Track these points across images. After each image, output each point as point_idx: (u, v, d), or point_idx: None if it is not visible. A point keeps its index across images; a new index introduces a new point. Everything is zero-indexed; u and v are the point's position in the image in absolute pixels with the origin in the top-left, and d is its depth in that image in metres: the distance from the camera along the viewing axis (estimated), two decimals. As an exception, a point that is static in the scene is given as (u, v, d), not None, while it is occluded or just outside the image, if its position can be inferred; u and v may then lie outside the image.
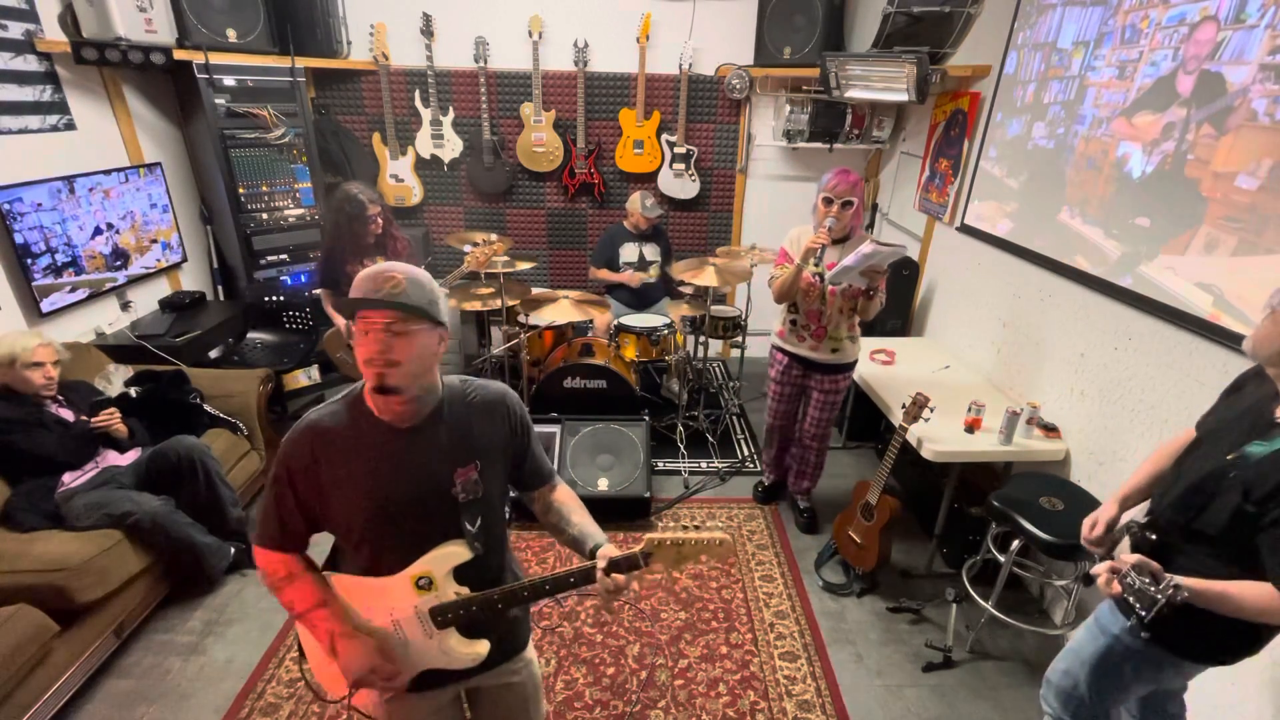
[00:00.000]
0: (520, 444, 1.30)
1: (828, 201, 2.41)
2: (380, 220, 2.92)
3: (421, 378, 1.13)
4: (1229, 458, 1.30)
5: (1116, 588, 1.21)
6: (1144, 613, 1.15)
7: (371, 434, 1.15)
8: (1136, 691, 1.56)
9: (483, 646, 1.27)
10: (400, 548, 1.19)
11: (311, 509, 1.18)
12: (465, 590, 1.22)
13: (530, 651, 1.47)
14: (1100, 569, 1.26)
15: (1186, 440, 1.52)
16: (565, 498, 1.36)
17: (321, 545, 1.28)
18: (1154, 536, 1.42)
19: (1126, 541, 1.48)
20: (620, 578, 1.15)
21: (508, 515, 1.38)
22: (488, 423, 1.24)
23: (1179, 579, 1.17)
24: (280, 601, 1.22)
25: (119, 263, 3.20)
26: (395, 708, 1.34)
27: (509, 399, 1.28)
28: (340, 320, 2.95)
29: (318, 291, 3.02)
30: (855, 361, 2.75)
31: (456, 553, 1.20)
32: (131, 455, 2.53)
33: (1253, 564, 1.25)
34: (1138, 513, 1.56)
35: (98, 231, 3.07)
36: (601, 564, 1.16)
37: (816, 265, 2.51)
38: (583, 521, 1.30)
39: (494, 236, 3.29)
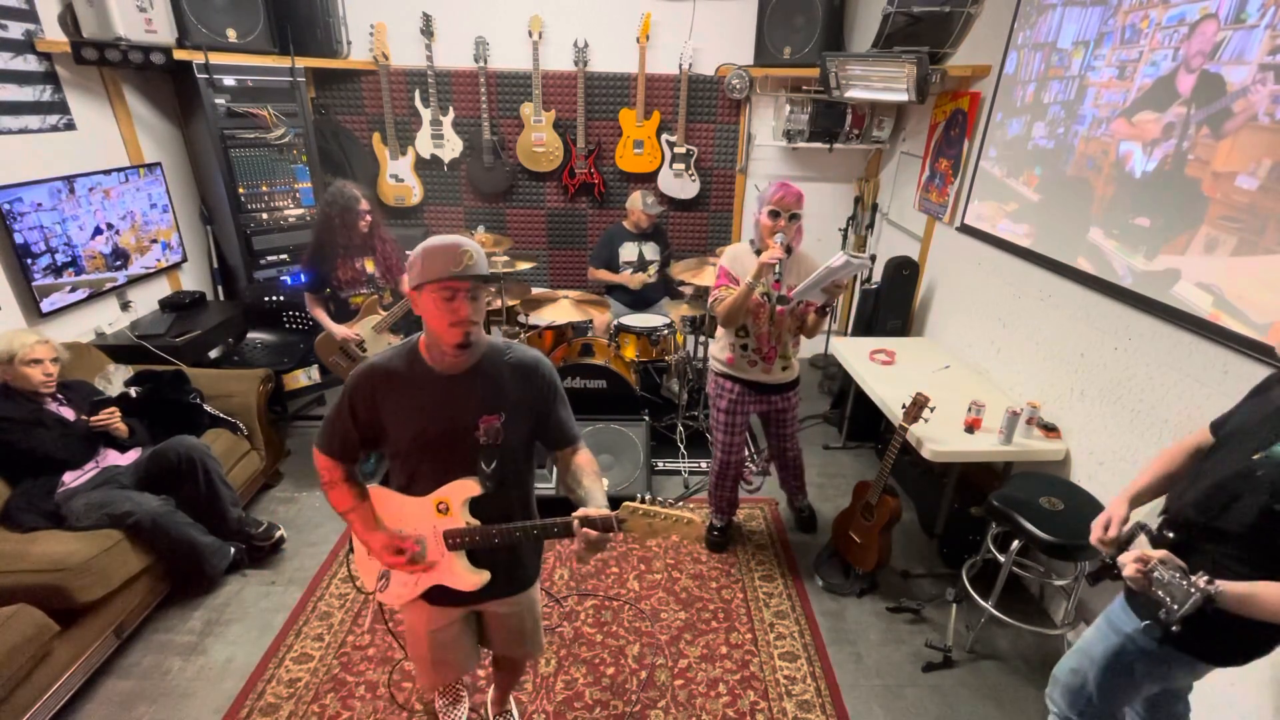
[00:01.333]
0: (546, 405, 1.47)
1: (774, 215, 2.28)
2: (370, 217, 2.92)
3: (481, 331, 1.37)
4: (1255, 457, 1.30)
5: (1143, 579, 1.20)
6: (1176, 607, 1.14)
7: (422, 378, 1.38)
8: (1146, 691, 1.55)
9: (484, 576, 1.48)
10: (430, 474, 1.42)
11: (365, 431, 1.43)
12: (476, 522, 1.44)
13: (535, 592, 1.70)
14: (1127, 558, 1.25)
15: (1199, 440, 1.51)
16: (584, 462, 1.50)
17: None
18: (1172, 535, 1.41)
19: (1142, 539, 1.47)
20: (592, 533, 1.31)
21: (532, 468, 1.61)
22: (519, 381, 1.43)
23: (1210, 577, 1.16)
24: (329, 500, 1.50)
25: (119, 263, 3.20)
26: (411, 611, 1.59)
27: (542, 365, 1.48)
28: (330, 324, 2.95)
29: (304, 295, 3.01)
30: (799, 376, 2.67)
31: (469, 486, 1.41)
32: (131, 455, 2.53)
33: (1275, 564, 1.25)
34: (1146, 513, 1.55)
35: (98, 231, 3.07)
36: (577, 517, 1.32)
37: (766, 285, 2.31)
38: (591, 486, 1.44)
39: (480, 229, 3.29)
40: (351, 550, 1.63)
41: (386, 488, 1.50)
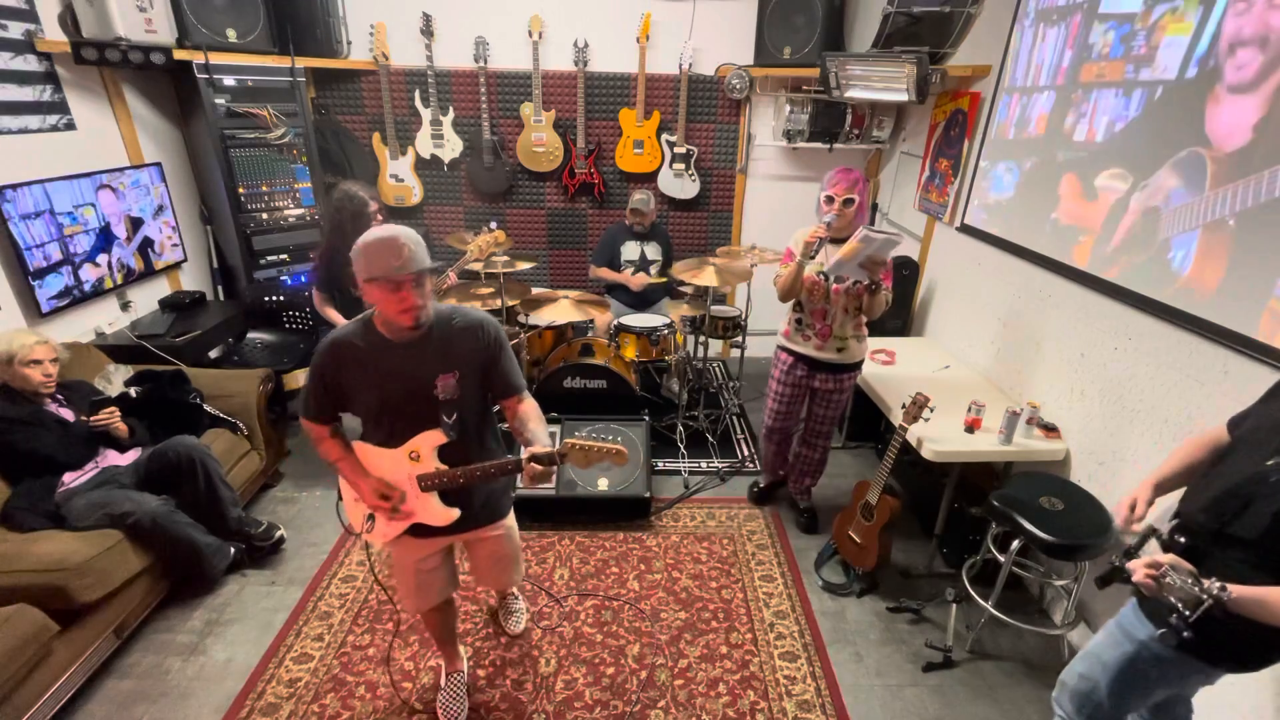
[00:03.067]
0: (491, 358, 1.66)
1: (829, 200, 2.40)
2: (380, 218, 2.92)
3: (430, 310, 1.56)
4: (1269, 463, 1.29)
5: (1154, 585, 1.20)
6: (1188, 613, 1.14)
7: (379, 348, 1.56)
8: (1158, 696, 1.55)
9: (454, 513, 1.69)
10: (399, 430, 1.62)
11: (336, 398, 1.63)
12: (443, 466, 1.64)
13: (510, 520, 1.94)
14: (1138, 564, 1.25)
15: (1217, 435, 1.51)
16: (528, 409, 1.71)
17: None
18: (1184, 540, 1.40)
19: (1153, 544, 1.47)
20: (538, 466, 1.55)
21: (490, 422, 1.82)
22: (467, 340, 1.63)
23: (1222, 582, 1.16)
24: (319, 454, 1.71)
25: (116, 261, 3.20)
26: (398, 547, 1.79)
27: (487, 323, 1.66)
28: (341, 321, 2.95)
29: (311, 292, 3.01)
30: (861, 361, 2.70)
31: (435, 436, 1.62)
32: (131, 455, 2.53)
33: None
34: (1157, 517, 1.55)
35: (98, 231, 3.07)
36: (526, 455, 1.56)
37: (819, 263, 2.48)
38: (536, 429, 1.66)
39: (494, 224, 3.30)
40: (340, 498, 1.82)
41: (365, 442, 1.69)
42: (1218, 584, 1.14)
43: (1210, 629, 1.23)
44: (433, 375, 1.58)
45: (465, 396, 1.63)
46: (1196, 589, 1.14)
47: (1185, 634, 1.18)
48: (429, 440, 1.62)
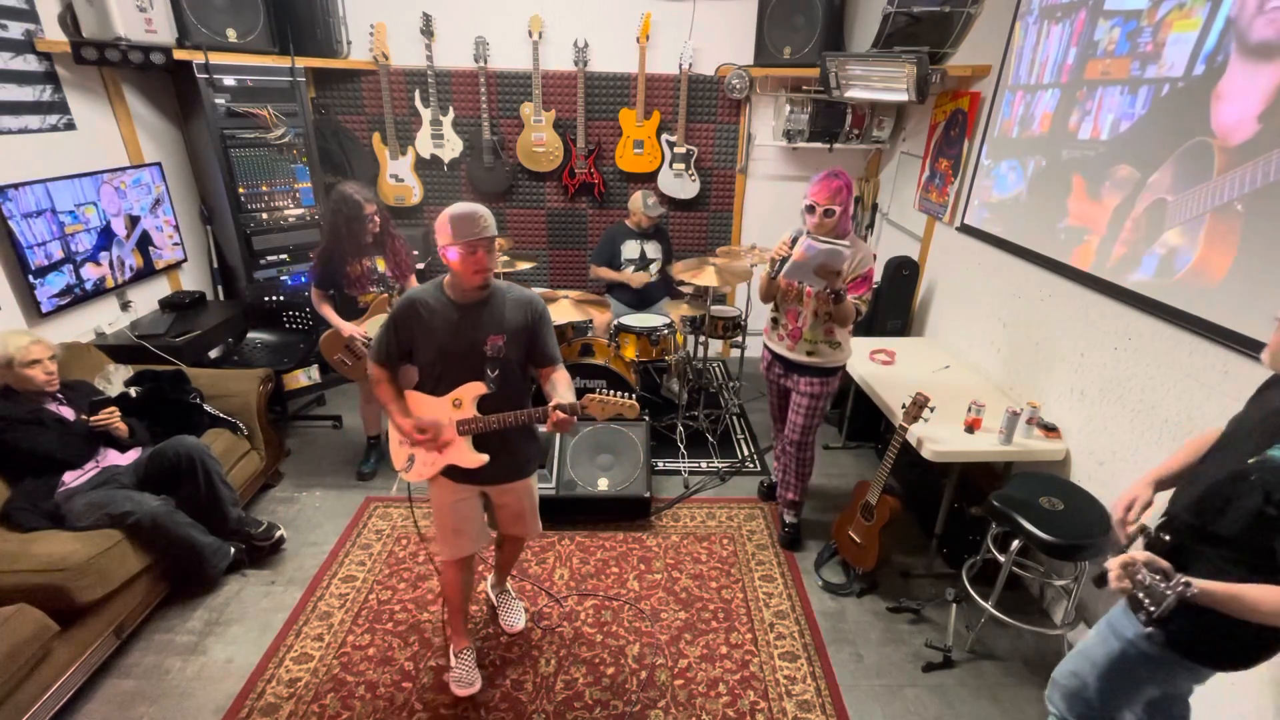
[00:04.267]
0: (535, 329, 1.91)
1: (810, 209, 2.35)
2: (378, 219, 2.92)
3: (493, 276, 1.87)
4: (1251, 461, 1.29)
5: (1127, 584, 1.20)
6: (1153, 609, 1.15)
7: (446, 308, 1.84)
8: (1147, 695, 1.55)
9: (483, 457, 1.90)
10: (450, 379, 1.87)
11: (405, 346, 1.89)
12: (478, 414, 1.89)
13: (532, 481, 2.17)
14: (1113, 564, 1.25)
15: (1217, 435, 1.51)
16: (560, 376, 1.95)
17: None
18: (1168, 538, 1.40)
19: (1140, 542, 1.47)
20: (561, 414, 1.78)
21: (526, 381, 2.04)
22: (516, 310, 1.89)
23: (1189, 578, 1.16)
24: (376, 395, 1.95)
25: (117, 260, 3.20)
26: (435, 487, 2.02)
27: (535, 299, 1.93)
28: (338, 320, 2.95)
29: (310, 291, 3.01)
30: (838, 369, 2.61)
31: (478, 386, 1.87)
32: (131, 455, 2.53)
33: (1270, 568, 1.24)
34: (1150, 516, 1.55)
35: (99, 230, 3.07)
36: (552, 405, 1.80)
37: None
38: (565, 392, 1.88)
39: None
40: (386, 440, 2.08)
41: (418, 391, 1.93)
42: (1183, 581, 1.15)
43: (1196, 628, 1.23)
44: (485, 334, 1.83)
45: (508, 357, 1.87)
46: (1163, 585, 1.15)
47: (1150, 631, 1.19)
48: (471, 390, 1.86)
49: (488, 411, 1.89)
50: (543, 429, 2.02)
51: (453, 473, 1.95)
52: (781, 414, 2.85)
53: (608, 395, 1.85)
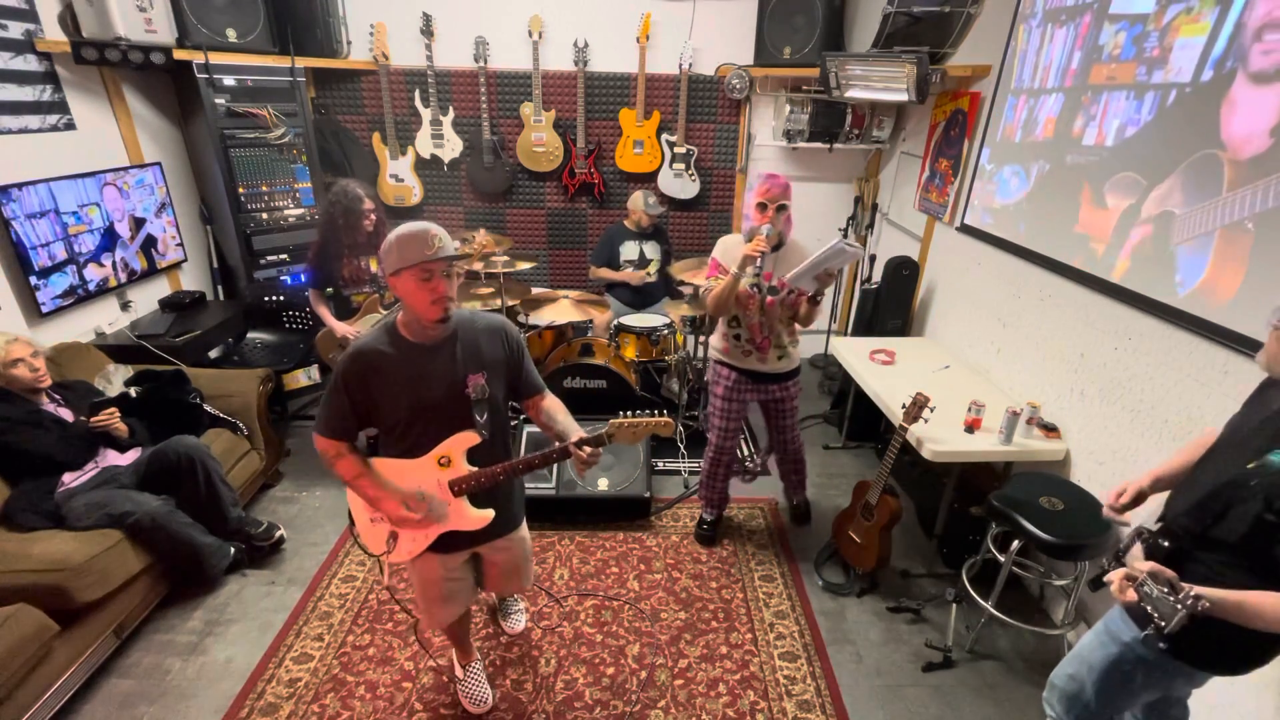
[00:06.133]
0: (515, 360, 1.69)
1: (761, 207, 2.32)
2: (374, 217, 2.92)
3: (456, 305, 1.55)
4: (1250, 466, 1.28)
5: (1131, 595, 1.19)
6: (1163, 623, 1.13)
7: (408, 353, 1.54)
8: (1145, 698, 1.55)
9: (489, 513, 1.67)
10: (429, 436, 1.59)
11: (360, 410, 1.57)
12: (475, 468, 1.62)
13: (524, 530, 1.94)
14: (1114, 576, 1.24)
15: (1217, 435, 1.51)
16: (552, 405, 1.75)
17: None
18: (1167, 544, 1.39)
19: (1137, 548, 1.47)
20: (587, 450, 1.56)
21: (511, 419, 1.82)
22: (491, 342, 1.64)
23: (1198, 589, 1.14)
24: (335, 473, 1.62)
25: (120, 261, 3.20)
26: (420, 563, 1.76)
27: (508, 326, 1.69)
28: (331, 320, 2.95)
29: (307, 292, 3.02)
30: (799, 366, 2.66)
31: (469, 437, 1.60)
32: (131, 455, 2.53)
33: (1269, 573, 1.24)
34: (1145, 516, 1.55)
35: (98, 231, 3.07)
36: (574, 439, 1.59)
37: (756, 275, 2.37)
38: (565, 421, 1.70)
39: (482, 231, 3.32)
40: (353, 523, 1.78)
41: (383, 457, 1.65)
42: (1193, 594, 1.13)
43: (1194, 633, 1.22)
44: (463, 375, 1.58)
45: (493, 396, 1.63)
46: (1172, 598, 1.13)
47: (1161, 645, 1.18)
48: (460, 443, 1.60)
49: (480, 461, 1.64)
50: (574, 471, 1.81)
51: (441, 542, 1.70)
52: (738, 434, 2.76)
53: (637, 418, 1.58)
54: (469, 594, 1.93)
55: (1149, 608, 1.16)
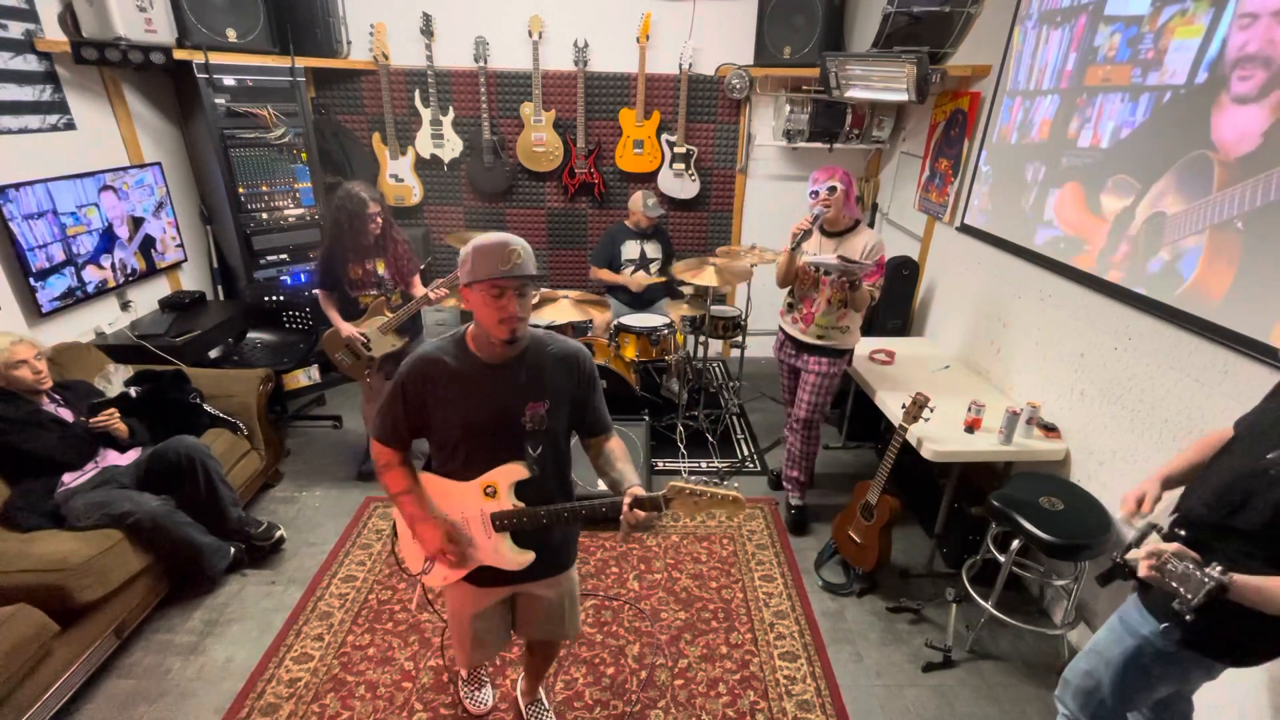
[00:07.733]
0: (584, 394, 1.55)
1: (814, 195, 2.60)
2: (380, 220, 2.92)
3: (527, 326, 1.44)
4: (1271, 455, 1.30)
5: (1156, 573, 1.21)
6: (1190, 597, 1.15)
7: (470, 368, 1.44)
8: (1161, 692, 1.55)
9: (528, 556, 1.54)
10: (478, 460, 1.48)
11: (416, 419, 1.48)
12: (521, 505, 1.50)
13: (573, 573, 1.77)
14: (1140, 553, 1.26)
15: (1224, 437, 1.51)
16: (615, 447, 1.60)
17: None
18: (1184, 533, 1.40)
19: (1154, 536, 1.47)
20: (641, 513, 1.39)
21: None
22: (560, 371, 1.50)
23: (1222, 567, 1.16)
24: (382, 484, 1.55)
25: (119, 262, 3.20)
26: (454, 592, 1.66)
27: (582, 355, 1.54)
28: (338, 321, 2.95)
29: (315, 292, 3.02)
30: (847, 352, 2.80)
31: (517, 470, 1.47)
32: (131, 455, 2.53)
33: None
34: (1157, 513, 1.55)
35: (101, 232, 3.07)
36: (628, 500, 1.41)
37: (804, 251, 2.66)
38: (624, 468, 1.55)
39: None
40: (396, 534, 1.70)
41: (433, 473, 1.56)
42: (1219, 569, 1.15)
43: (1213, 624, 1.23)
44: (523, 402, 1.45)
45: (552, 428, 1.50)
46: (1199, 574, 1.15)
47: (1188, 618, 1.18)
48: (508, 474, 1.48)
49: (529, 499, 1.51)
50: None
51: (479, 574, 1.59)
52: (792, 395, 2.98)
53: (701, 487, 1.39)
54: (499, 640, 1.80)
55: (1175, 583, 1.18)
